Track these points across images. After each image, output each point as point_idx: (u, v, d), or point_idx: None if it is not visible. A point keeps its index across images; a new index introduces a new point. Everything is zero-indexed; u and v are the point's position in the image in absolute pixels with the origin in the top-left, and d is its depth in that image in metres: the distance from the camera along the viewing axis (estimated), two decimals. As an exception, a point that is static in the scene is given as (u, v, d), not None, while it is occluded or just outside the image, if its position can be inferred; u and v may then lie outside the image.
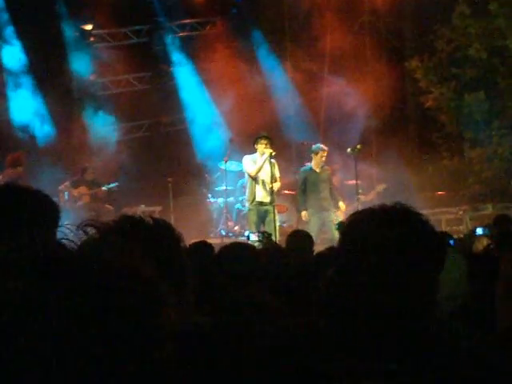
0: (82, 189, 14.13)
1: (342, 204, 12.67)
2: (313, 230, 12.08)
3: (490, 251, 7.26)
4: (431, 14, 15.91)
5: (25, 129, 14.83)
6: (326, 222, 12.39)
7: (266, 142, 11.90)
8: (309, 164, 12.74)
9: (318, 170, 12.56)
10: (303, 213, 12.57)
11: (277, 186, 12.15)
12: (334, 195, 12.74)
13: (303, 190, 12.60)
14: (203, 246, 4.74)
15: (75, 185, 14.16)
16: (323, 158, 12.58)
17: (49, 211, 2.57)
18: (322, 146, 12.80)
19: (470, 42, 15.52)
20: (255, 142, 12.00)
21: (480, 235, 8.37)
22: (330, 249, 6.37)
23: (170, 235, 2.12)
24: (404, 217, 1.88)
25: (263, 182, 11.89)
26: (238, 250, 4.28)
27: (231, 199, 14.86)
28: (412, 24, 16.92)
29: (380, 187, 14.17)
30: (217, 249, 4.37)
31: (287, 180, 13.93)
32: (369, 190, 14.43)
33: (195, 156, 16.86)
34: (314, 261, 4.51)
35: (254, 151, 12.10)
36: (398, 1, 15.90)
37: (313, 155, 12.66)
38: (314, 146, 12.84)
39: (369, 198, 13.72)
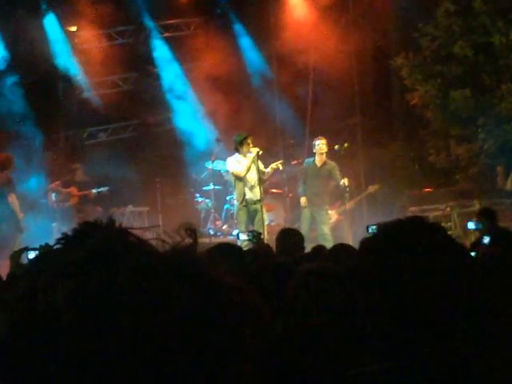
0: (72, 189, 14.13)
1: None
2: (303, 223, 12.59)
3: (478, 245, 7.30)
4: (415, 11, 15.93)
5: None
6: (317, 219, 12.57)
7: (250, 141, 11.88)
8: (313, 157, 12.95)
9: (318, 165, 12.71)
10: (302, 199, 12.79)
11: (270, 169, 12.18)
12: (335, 192, 12.93)
13: (304, 180, 12.86)
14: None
15: (66, 185, 14.18)
16: (322, 151, 12.68)
17: None
18: (318, 139, 12.88)
19: (454, 40, 15.53)
20: (240, 144, 11.87)
21: (472, 229, 8.39)
22: (315, 248, 6.41)
23: None
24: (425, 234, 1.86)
25: (251, 181, 11.85)
26: (226, 250, 4.29)
27: (220, 195, 14.88)
28: (396, 21, 16.93)
29: (373, 188, 14.16)
30: (205, 248, 4.37)
31: (274, 179, 13.92)
32: (357, 190, 14.41)
33: (182, 156, 16.84)
34: (300, 261, 4.52)
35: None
36: (382, -2, 15.93)
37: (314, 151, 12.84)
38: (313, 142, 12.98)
39: (356, 200, 13.91)
